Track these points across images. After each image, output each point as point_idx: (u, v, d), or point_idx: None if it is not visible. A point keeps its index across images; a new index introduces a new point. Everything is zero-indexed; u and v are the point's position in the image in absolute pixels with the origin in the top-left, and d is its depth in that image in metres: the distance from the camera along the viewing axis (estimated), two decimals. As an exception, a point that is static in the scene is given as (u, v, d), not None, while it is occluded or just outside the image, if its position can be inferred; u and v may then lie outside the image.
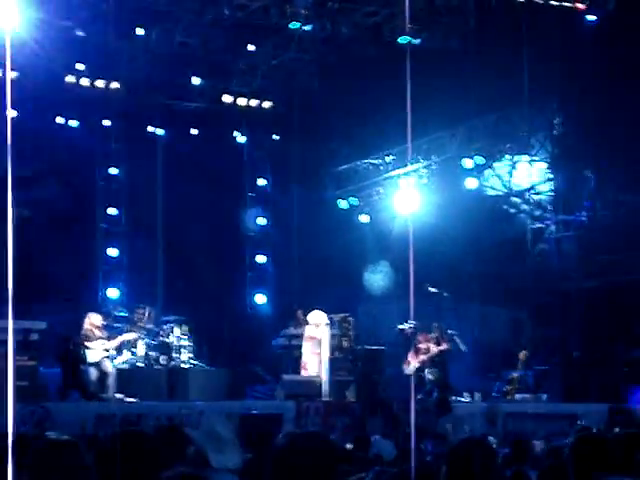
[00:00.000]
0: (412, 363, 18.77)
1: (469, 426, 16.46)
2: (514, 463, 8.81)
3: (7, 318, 5.72)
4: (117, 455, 4.78)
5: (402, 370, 18.73)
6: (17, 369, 15.31)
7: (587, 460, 5.54)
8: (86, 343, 17.66)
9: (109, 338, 18.13)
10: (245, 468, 5.81)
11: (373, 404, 17.71)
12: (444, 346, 18.80)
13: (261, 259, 25.32)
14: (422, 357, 19.03)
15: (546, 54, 20.16)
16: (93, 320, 18.03)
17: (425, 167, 22.00)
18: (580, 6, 19.46)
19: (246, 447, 7.31)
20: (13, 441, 5.22)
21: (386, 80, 16.62)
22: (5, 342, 5.97)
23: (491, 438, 10.84)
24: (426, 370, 18.55)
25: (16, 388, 15.45)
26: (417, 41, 19.58)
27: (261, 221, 25.44)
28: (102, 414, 15.49)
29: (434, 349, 18.83)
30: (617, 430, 10.06)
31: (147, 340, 19.48)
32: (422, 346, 19.06)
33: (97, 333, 17.86)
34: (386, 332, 21.33)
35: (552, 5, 19.29)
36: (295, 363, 19.19)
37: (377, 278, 22.45)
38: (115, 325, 19.65)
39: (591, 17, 19.63)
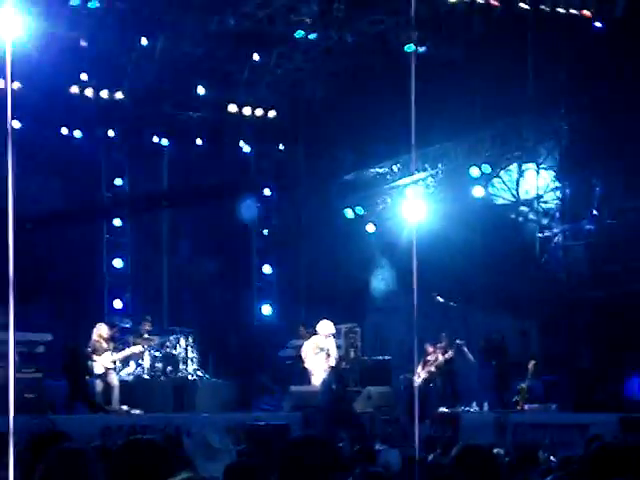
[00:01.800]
0: (421, 375, 18.77)
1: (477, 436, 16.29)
2: (520, 472, 8.72)
3: (10, 330, 5.62)
4: (127, 464, 4.77)
5: (411, 381, 18.65)
6: (23, 381, 15.24)
7: (603, 469, 5.43)
8: (93, 355, 17.59)
9: (116, 349, 18.05)
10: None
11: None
12: (449, 354, 18.95)
13: (267, 269, 25.19)
14: (430, 368, 19.12)
15: (553, 61, 20.05)
16: (101, 331, 17.96)
17: (432, 176, 21.84)
18: (587, 13, 19.29)
19: (254, 457, 7.21)
20: (15, 452, 5.18)
21: (392, 88, 16.56)
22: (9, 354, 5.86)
23: (499, 449, 10.69)
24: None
25: (22, 400, 15.31)
26: (423, 49, 19.46)
27: (267, 232, 25.30)
28: (108, 426, 15.42)
29: (441, 358, 19.06)
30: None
31: (153, 352, 19.37)
32: (430, 358, 19.18)
33: (105, 345, 17.78)
34: (393, 343, 21.20)
35: (558, 12, 19.14)
36: (302, 374, 19.05)
37: (384, 288, 22.33)
38: (121, 337, 19.57)
39: (598, 24, 19.46)
